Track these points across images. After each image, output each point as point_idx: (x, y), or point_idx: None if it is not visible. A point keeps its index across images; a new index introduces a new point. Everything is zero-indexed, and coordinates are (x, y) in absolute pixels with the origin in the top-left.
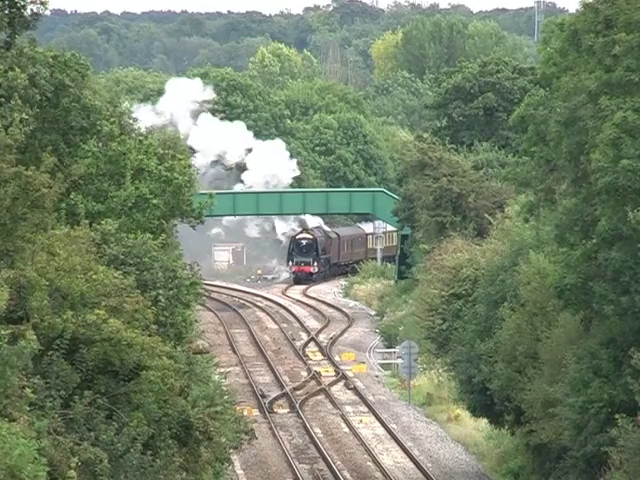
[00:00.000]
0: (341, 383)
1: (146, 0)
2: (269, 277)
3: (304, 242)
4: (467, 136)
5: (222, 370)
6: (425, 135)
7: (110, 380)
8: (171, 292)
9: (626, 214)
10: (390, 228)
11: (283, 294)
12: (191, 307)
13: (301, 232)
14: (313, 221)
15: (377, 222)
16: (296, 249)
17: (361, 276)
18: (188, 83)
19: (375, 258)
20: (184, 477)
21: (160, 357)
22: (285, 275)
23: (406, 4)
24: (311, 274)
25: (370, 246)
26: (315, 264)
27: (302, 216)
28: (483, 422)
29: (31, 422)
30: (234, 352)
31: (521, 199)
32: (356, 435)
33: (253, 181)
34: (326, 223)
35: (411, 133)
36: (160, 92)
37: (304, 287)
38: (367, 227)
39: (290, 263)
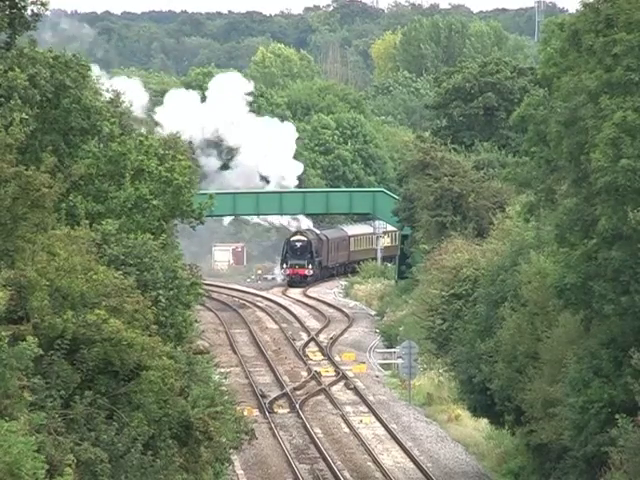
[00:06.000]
0: (341, 383)
1: (146, 0)
2: (269, 277)
3: (298, 244)
4: (467, 136)
5: (222, 370)
6: (426, 135)
7: (110, 380)
8: (171, 292)
9: (626, 214)
10: (368, 230)
11: (283, 294)
12: (191, 307)
13: (295, 234)
14: (304, 222)
15: (377, 222)
16: (290, 251)
17: (361, 276)
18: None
19: (357, 262)
20: (184, 477)
21: (160, 357)
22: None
23: (406, 4)
24: (305, 277)
25: (352, 249)
26: (310, 267)
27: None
28: (483, 422)
29: (31, 421)
30: (234, 352)
31: (521, 199)
32: (356, 435)
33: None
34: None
35: (412, 133)
36: (163, 93)
37: (303, 287)
38: (350, 229)
39: (284, 265)
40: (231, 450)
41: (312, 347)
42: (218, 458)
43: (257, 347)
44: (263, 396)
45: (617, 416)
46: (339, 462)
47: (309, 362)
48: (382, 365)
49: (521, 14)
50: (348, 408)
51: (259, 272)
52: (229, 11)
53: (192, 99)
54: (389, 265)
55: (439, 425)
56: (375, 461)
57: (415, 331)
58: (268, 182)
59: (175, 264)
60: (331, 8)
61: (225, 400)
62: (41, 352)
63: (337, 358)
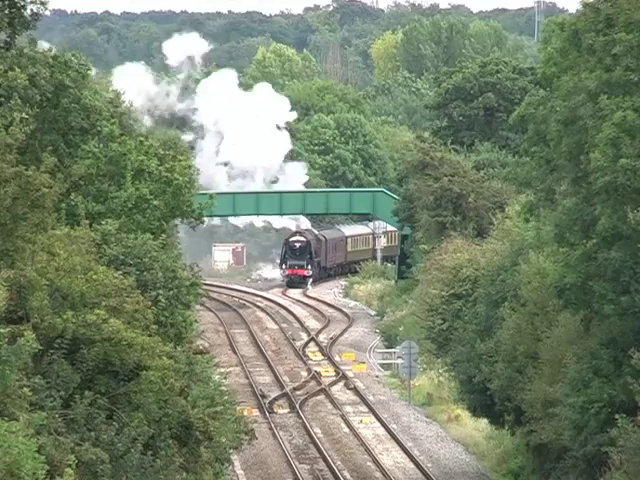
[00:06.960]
0: (341, 383)
1: (146, 0)
2: (269, 277)
3: (298, 245)
4: (467, 136)
5: (222, 370)
6: (426, 135)
7: (110, 380)
8: (171, 292)
9: (626, 214)
10: (365, 230)
11: (283, 294)
12: (191, 307)
13: (294, 234)
14: (302, 223)
15: (377, 222)
16: (289, 252)
17: (361, 276)
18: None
19: (355, 262)
20: (184, 477)
21: (160, 357)
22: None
23: (406, 4)
24: (305, 277)
25: (350, 249)
26: (309, 267)
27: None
28: (483, 422)
29: (31, 421)
30: (234, 352)
31: (521, 199)
32: (356, 435)
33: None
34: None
35: (412, 133)
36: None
37: (303, 288)
38: (347, 230)
39: (284, 266)
40: (231, 450)
41: (312, 347)
42: (218, 458)
43: (257, 347)
44: (263, 396)
45: (617, 416)
46: (339, 462)
47: (309, 362)
48: (382, 365)
49: (521, 14)
50: (348, 408)
51: (259, 272)
52: (229, 11)
53: (142, 73)
54: (389, 265)
55: (439, 425)
56: (375, 461)
57: (415, 331)
58: (226, 165)
59: (175, 264)
60: (331, 8)
61: (225, 400)
62: (39, 348)
63: (337, 358)
